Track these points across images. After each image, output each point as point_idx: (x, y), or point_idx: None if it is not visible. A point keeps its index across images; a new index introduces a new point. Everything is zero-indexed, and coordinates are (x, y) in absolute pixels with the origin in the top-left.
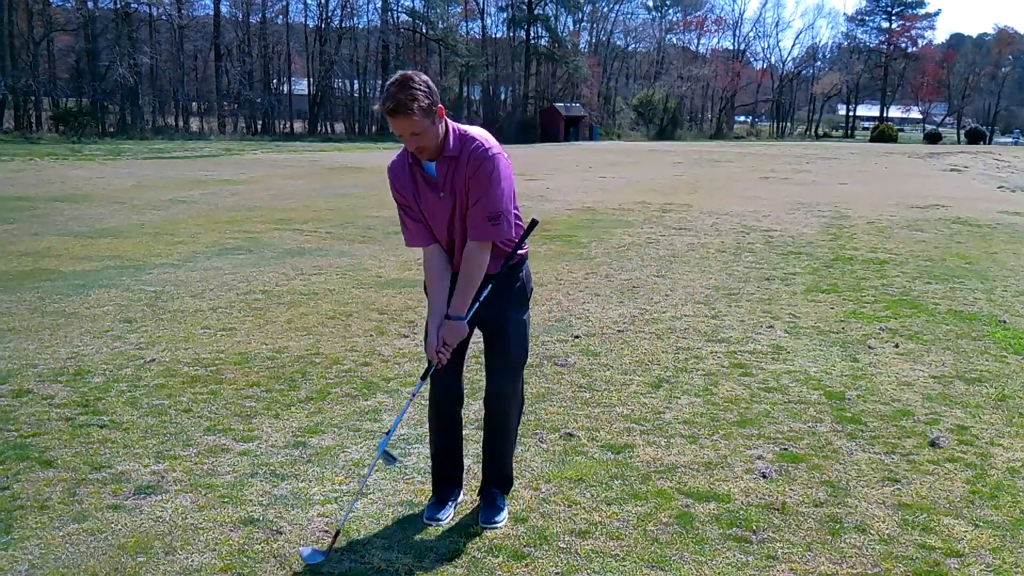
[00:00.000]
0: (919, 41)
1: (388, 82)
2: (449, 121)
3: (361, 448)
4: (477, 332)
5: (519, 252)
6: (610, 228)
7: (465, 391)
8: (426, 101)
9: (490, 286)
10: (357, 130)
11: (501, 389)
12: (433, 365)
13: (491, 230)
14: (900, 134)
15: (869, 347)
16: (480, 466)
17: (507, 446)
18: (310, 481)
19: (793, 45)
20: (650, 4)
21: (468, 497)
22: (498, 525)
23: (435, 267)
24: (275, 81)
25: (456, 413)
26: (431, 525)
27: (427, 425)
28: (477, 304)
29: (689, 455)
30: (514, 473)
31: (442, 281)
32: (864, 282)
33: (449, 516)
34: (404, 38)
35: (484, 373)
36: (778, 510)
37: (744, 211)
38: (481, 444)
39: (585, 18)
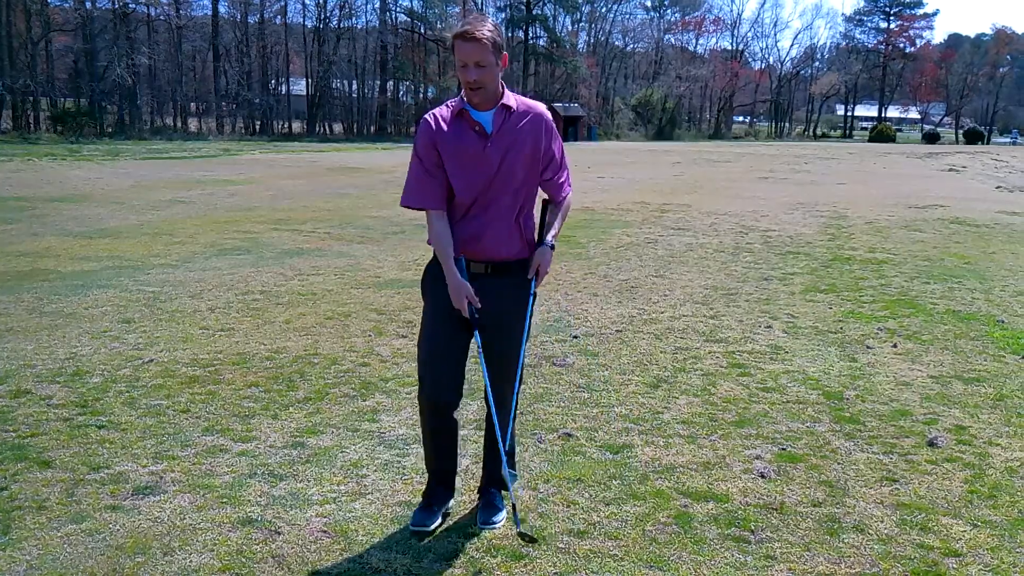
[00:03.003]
0: (917, 41)
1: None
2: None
3: (359, 448)
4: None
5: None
6: (609, 228)
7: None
8: (497, 39)
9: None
10: (356, 130)
11: (505, 385)
12: (471, 312)
13: (568, 186)
14: (898, 134)
15: (867, 347)
16: (479, 466)
17: (509, 428)
18: (308, 481)
19: (791, 45)
20: (648, 4)
21: (467, 497)
22: (497, 526)
23: (444, 233)
24: (273, 81)
25: (451, 413)
26: (417, 533)
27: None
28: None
29: (687, 455)
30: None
31: (450, 243)
32: (862, 282)
33: (436, 524)
34: (402, 38)
35: (483, 368)
36: (776, 510)
37: (742, 211)
38: (482, 443)
39: (583, 18)
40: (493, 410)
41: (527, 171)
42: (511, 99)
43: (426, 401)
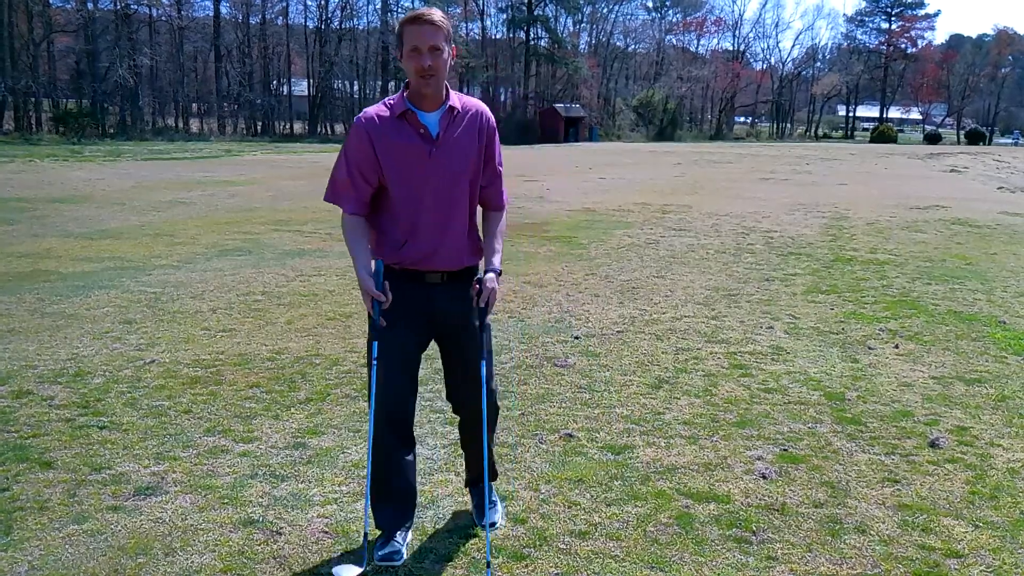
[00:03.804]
0: (919, 42)
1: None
2: None
3: (361, 449)
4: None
5: None
6: (610, 229)
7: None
8: (448, 27)
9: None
10: None
11: (476, 391)
12: (375, 315)
13: (505, 195)
14: (900, 135)
15: (869, 348)
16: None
17: (488, 441)
18: (310, 482)
19: (793, 46)
20: (650, 5)
21: (467, 498)
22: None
23: (359, 234)
24: (275, 82)
25: (407, 429)
26: (385, 565)
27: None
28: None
29: (689, 456)
30: (513, 475)
31: (364, 244)
32: (864, 283)
33: (404, 554)
34: None
35: (455, 379)
36: (778, 511)
37: (744, 212)
38: (461, 443)
39: (585, 19)
40: (483, 422)
41: (475, 175)
42: (455, 99)
43: (382, 416)
